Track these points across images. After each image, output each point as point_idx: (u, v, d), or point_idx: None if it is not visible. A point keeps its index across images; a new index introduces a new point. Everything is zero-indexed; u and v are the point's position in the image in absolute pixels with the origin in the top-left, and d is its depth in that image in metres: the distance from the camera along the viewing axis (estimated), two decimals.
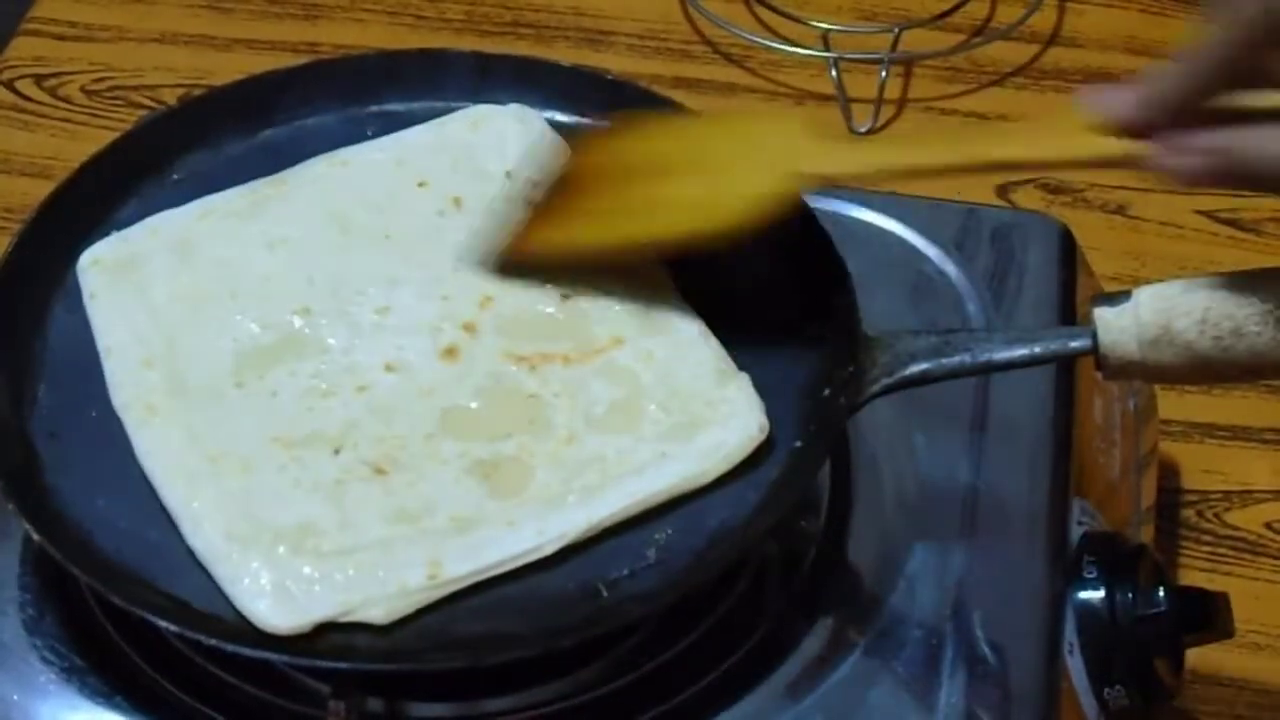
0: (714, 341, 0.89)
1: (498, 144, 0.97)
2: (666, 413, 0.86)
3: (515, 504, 0.83)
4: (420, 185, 0.95)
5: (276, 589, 0.80)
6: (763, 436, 0.85)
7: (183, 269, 0.92)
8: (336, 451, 0.85)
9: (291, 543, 0.81)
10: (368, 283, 0.91)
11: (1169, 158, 0.75)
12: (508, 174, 0.96)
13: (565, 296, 0.90)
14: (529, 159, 0.96)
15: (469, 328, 0.89)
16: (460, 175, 0.96)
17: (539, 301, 0.90)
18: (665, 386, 0.87)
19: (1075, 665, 0.87)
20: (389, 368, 0.88)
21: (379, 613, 0.80)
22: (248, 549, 0.81)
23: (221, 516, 0.82)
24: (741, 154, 0.88)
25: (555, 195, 0.91)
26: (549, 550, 0.82)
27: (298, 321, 0.89)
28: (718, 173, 0.88)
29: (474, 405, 0.87)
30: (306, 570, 0.80)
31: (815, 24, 1.36)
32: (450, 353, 0.89)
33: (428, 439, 0.85)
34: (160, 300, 0.90)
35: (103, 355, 0.89)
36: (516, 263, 0.91)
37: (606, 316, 0.90)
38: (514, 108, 0.99)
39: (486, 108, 0.99)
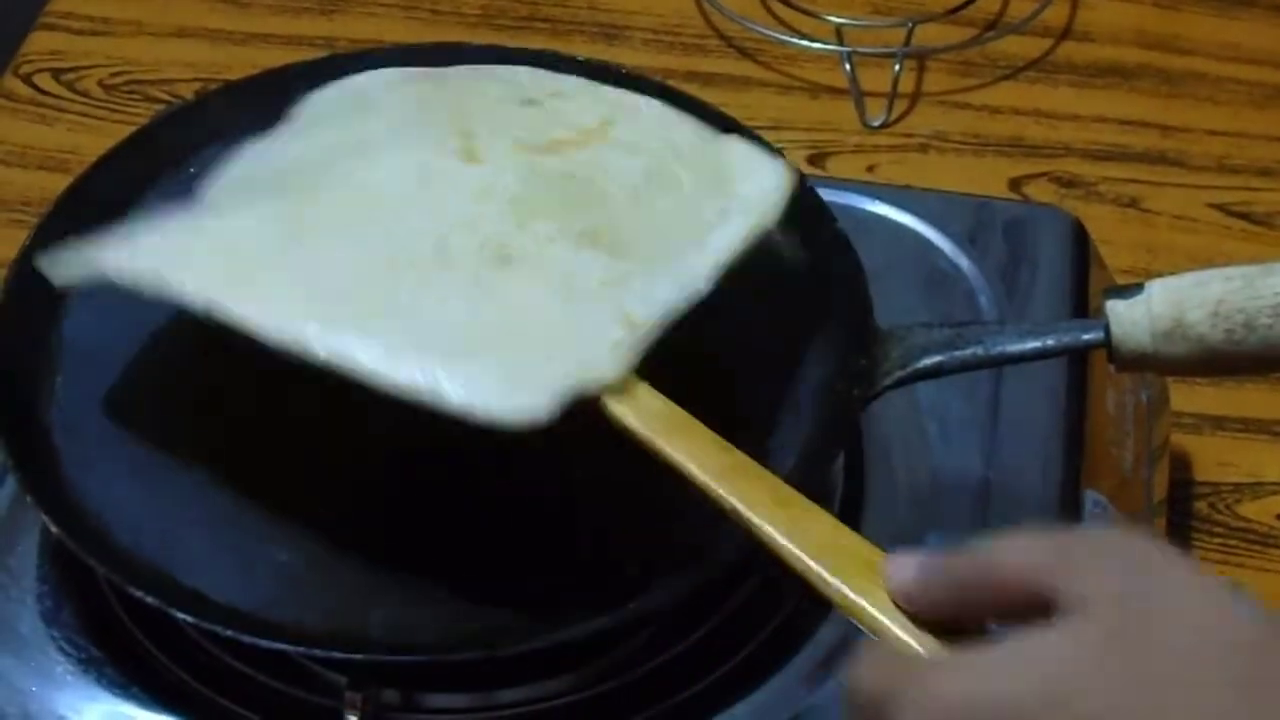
0: (676, 112, 0.91)
1: None
2: (695, 173, 0.87)
3: (645, 261, 0.83)
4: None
5: (507, 385, 0.77)
6: (795, 178, 0.88)
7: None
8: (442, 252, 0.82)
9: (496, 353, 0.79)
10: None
11: None
12: None
13: (530, 101, 0.91)
14: None
15: (467, 134, 0.88)
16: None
17: (511, 101, 0.91)
18: (675, 152, 0.88)
19: None
20: (421, 182, 0.85)
21: (608, 370, 0.78)
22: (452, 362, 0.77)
23: (395, 337, 0.79)
24: None
25: None
26: (706, 289, 0.82)
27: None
28: None
29: (527, 191, 0.85)
30: (522, 359, 0.78)
31: (829, 18, 1.36)
32: (470, 154, 0.87)
33: (520, 228, 0.83)
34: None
35: None
36: None
37: (582, 107, 0.91)
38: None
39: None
